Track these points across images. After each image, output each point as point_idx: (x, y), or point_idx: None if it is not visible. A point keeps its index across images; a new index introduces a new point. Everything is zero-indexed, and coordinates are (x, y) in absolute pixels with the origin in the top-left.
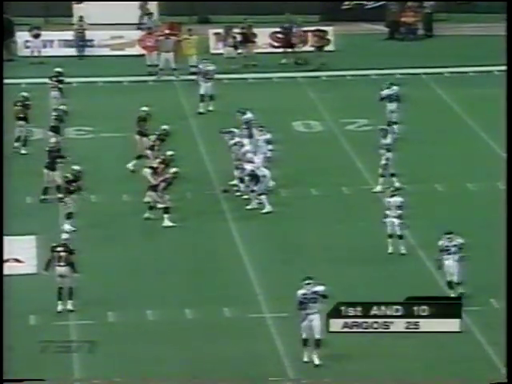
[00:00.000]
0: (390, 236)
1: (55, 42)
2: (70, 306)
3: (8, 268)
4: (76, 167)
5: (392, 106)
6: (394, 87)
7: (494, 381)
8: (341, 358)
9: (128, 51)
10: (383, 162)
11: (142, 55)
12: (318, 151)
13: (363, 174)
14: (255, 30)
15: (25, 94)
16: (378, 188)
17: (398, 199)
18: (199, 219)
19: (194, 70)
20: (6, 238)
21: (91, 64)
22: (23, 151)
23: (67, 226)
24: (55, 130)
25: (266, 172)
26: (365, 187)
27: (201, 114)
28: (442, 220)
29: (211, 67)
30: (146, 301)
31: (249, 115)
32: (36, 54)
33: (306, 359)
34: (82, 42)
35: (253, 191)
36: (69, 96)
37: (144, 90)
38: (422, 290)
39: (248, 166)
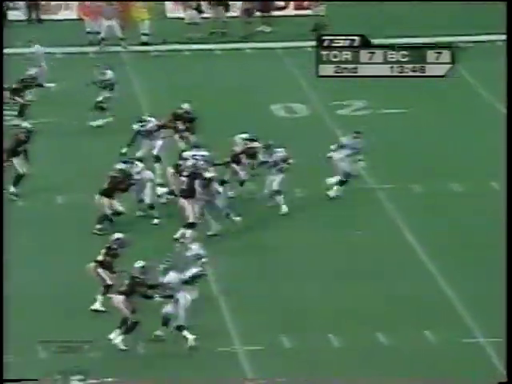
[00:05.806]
0: None
1: None
2: None
3: None
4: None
5: None
6: None
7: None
8: None
9: (62, 15)
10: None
11: (80, 19)
12: (302, 141)
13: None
14: None
15: None
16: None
17: None
18: None
19: (146, 38)
20: None
21: (12, 31)
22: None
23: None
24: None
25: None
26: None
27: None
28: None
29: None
30: None
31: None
32: None
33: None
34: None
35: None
36: None
37: (83, 63)
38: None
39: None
